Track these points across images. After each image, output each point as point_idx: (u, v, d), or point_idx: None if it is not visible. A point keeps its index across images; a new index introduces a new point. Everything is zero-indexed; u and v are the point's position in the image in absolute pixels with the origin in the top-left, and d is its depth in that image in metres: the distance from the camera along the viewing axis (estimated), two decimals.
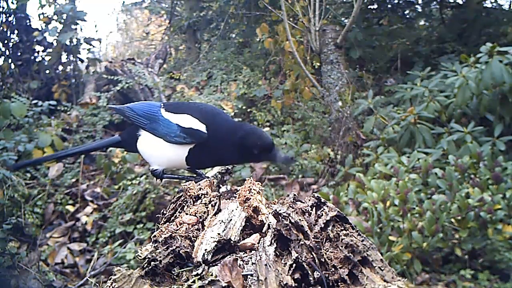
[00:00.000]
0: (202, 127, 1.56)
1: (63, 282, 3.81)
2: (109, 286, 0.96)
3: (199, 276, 0.99)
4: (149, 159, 1.69)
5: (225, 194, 1.46)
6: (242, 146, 1.52)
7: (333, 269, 0.97)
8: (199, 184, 1.44)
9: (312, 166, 5.31)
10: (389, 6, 8.55)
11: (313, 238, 1.02)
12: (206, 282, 0.96)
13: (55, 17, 6.75)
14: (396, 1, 8.64)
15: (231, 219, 1.17)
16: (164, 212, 1.43)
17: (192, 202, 1.34)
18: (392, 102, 5.96)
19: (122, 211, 4.50)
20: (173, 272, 1.03)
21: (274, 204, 1.25)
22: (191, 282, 0.98)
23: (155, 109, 1.66)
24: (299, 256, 0.96)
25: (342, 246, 0.99)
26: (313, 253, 0.98)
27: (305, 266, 0.95)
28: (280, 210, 1.06)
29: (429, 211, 3.32)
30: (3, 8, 6.59)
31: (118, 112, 1.78)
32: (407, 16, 8.77)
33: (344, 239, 1.00)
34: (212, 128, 1.56)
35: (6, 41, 6.64)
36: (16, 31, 6.72)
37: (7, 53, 6.63)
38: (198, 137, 1.57)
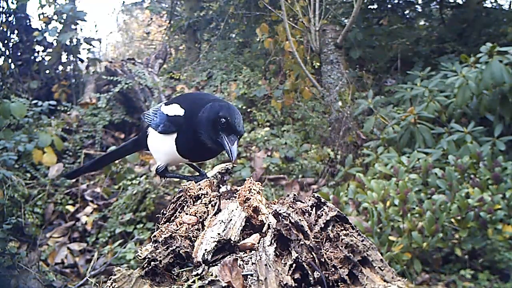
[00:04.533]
0: (180, 112, 1.54)
1: (63, 282, 3.81)
2: (109, 286, 0.96)
3: (199, 276, 0.99)
4: (153, 154, 1.72)
5: (225, 194, 1.46)
6: (210, 119, 1.44)
7: (333, 269, 0.97)
8: (199, 184, 1.44)
9: (312, 166, 5.31)
10: (389, 6, 8.56)
11: (313, 238, 1.02)
12: (206, 282, 0.96)
13: (55, 17, 6.75)
14: (396, 1, 8.64)
15: (231, 219, 1.17)
16: (164, 212, 1.43)
17: (192, 202, 1.34)
18: (392, 102, 5.97)
19: (122, 211, 4.50)
20: (173, 272, 1.03)
21: (274, 204, 1.25)
22: (191, 282, 0.98)
23: (160, 105, 1.70)
24: (299, 256, 0.96)
25: (342, 246, 0.99)
26: (313, 253, 0.98)
27: (305, 266, 0.95)
28: (280, 210, 1.06)
29: (429, 211, 3.32)
30: (3, 8, 6.59)
31: (143, 119, 1.81)
32: (407, 16, 8.78)
33: (344, 239, 1.00)
34: (189, 111, 1.53)
35: (6, 41, 6.64)
36: (16, 31, 6.73)
37: (7, 53, 6.63)
38: (177, 123, 1.55)
